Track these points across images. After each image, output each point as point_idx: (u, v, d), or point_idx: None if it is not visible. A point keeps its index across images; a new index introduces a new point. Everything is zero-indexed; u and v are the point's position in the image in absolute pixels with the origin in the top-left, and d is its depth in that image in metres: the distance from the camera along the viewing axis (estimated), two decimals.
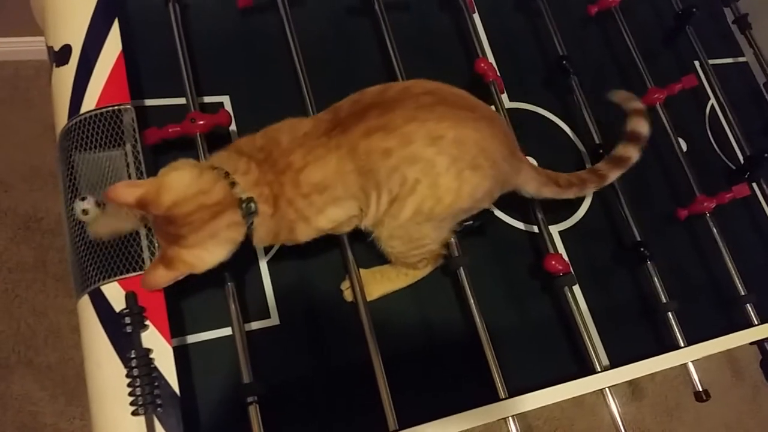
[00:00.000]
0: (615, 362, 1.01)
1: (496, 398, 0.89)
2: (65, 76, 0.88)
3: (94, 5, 0.90)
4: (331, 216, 0.85)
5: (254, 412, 0.79)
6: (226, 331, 0.88)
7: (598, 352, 0.99)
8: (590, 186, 1.03)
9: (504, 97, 1.18)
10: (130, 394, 0.74)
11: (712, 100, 1.34)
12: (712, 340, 1.03)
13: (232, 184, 0.78)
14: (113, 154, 0.89)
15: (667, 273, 1.09)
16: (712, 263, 1.16)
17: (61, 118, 0.88)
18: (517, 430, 0.89)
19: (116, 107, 0.86)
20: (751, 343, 1.09)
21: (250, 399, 0.80)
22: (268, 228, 0.82)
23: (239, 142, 0.85)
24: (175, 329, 0.86)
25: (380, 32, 1.10)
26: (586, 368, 0.98)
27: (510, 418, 0.89)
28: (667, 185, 1.22)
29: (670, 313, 1.03)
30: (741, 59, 1.44)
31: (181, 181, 0.76)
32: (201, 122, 0.91)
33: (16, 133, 1.63)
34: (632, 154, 1.04)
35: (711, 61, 1.33)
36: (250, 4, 1.06)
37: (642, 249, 1.06)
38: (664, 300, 1.04)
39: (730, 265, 1.11)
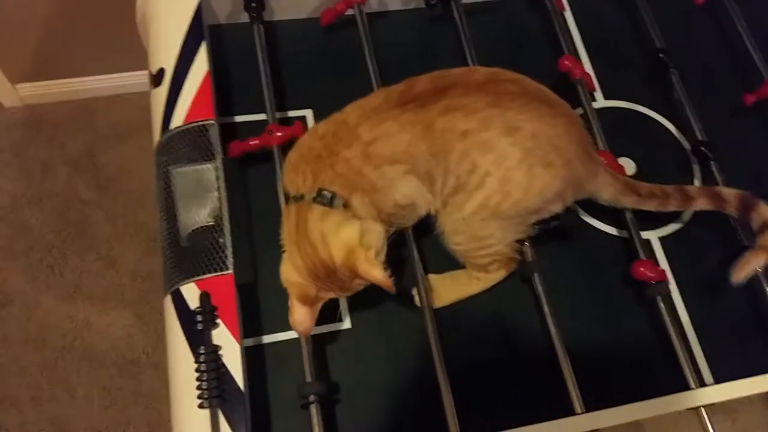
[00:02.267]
0: (720, 381, 0.91)
1: (572, 413, 0.84)
2: (160, 96, 0.97)
3: (185, 31, 0.98)
4: (404, 191, 0.85)
5: (314, 411, 0.81)
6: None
7: (699, 368, 0.91)
8: (672, 203, 0.94)
9: (599, 95, 1.13)
10: (197, 388, 0.79)
11: None
12: None
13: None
14: (204, 168, 0.97)
15: None
16: None
17: (156, 135, 0.97)
18: None
19: (202, 122, 0.94)
20: None
21: (311, 398, 0.82)
22: (367, 209, 0.84)
23: (301, 144, 0.88)
24: (251, 329, 0.91)
25: (460, 41, 1.09)
26: (681, 384, 0.89)
27: None
28: None
29: None
30: None
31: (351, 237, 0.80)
32: (279, 134, 0.96)
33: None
34: (731, 202, 0.95)
35: None
36: (332, 21, 1.10)
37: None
38: None
39: None
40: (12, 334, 1.63)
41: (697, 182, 1.07)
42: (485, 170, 0.81)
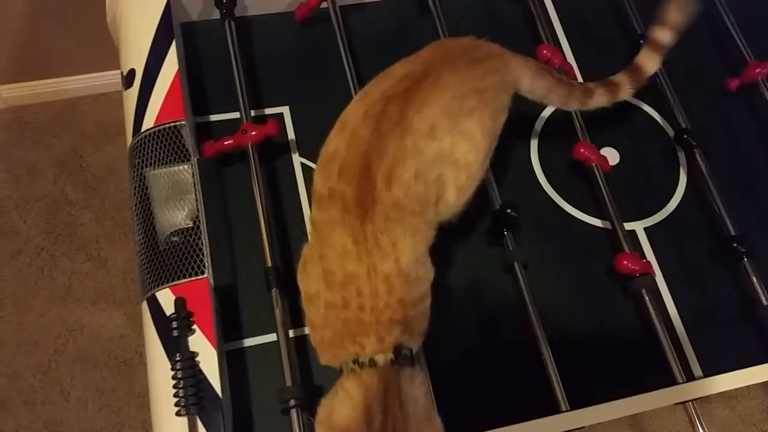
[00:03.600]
0: (709, 373, 0.90)
1: (556, 410, 0.83)
2: (131, 97, 0.96)
3: (154, 31, 0.96)
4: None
5: (294, 415, 0.80)
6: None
7: (688, 361, 0.90)
8: (576, 94, 0.94)
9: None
10: (175, 395, 0.78)
11: None
12: None
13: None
14: (178, 170, 0.95)
15: None
16: None
17: (129, 138, 0.95)
18: None
19: (173, 123, 0.92)
20: None
21: (291, 402, 0.81)
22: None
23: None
24: (233, 333, 0.90)
25: (437, 31, 1.07)
26: (668, 379, 0.88)
27: None
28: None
29: None
30: None
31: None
32: (253, 133, 0.94)
33: None
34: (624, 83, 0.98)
35: None
36: (307, 15, 1.08)
37: (735, 244, 0.93)
38: (765, 302, 0.91)
39: None
40: (4, 338, 1.62)
41: (683, 170, 1.05)
42: (438, 174, 0.81)
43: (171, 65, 0.95)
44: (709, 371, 0.90)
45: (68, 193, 1.77)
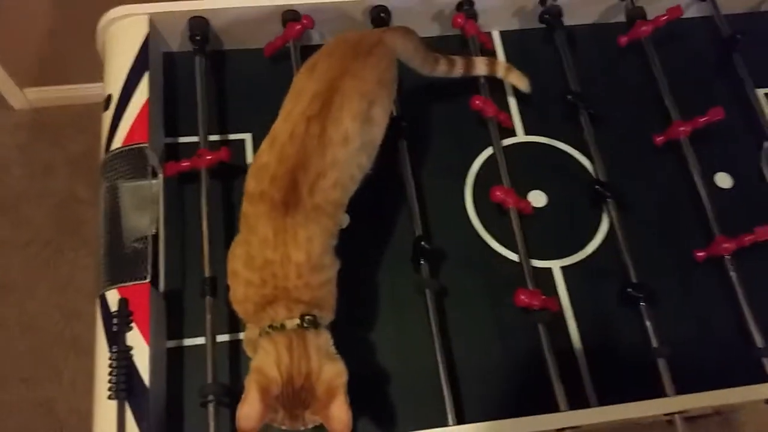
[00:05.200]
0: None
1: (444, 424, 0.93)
2: (106, 119, 1.09)
3: (131, 62, 1.10)
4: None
5: (210, 410, 0.92)
6: (221, 337, 1.01)
7: (587, 395, 0.99)
8: (442, 63, 1.12)
9: (519, 130, 1.20)
10: (108, 381, 0.90)
11: None
12: (708, 392, 0.96)
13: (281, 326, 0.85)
14: (138, 185, 1.08)
15: (685, 319, 1.06)
16: (731, 310, 1.07)
17: (102, 154, 1.09)
18: None
19: (137, 145, 1.05)
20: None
21: (209, 398, 0.92)
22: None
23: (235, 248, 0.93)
24: (175, 332, 1.02)
25: None
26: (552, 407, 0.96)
27: None
28: (696, 224, 1.14)
29: (661, 359, 0.98)
30: None
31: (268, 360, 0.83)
32: (207, 157, 1.07)
33: None
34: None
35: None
36: (274, 53, 1.20)
37: (631, 290, 1.02)
38: (654, 345, 0.99)
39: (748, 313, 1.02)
40: (8, 320, 1.78)
41: (605, 216, 1.13)
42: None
43: (142, 94, 1.08)
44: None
45: (78, 192, 1.93)
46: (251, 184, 0.91)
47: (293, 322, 0.85)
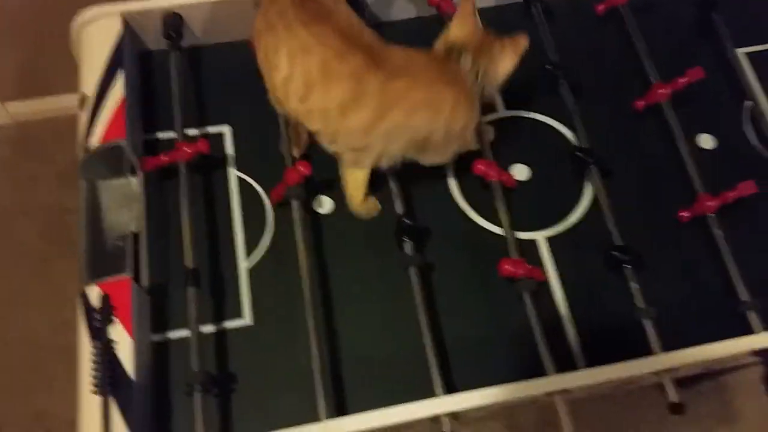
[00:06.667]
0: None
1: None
2: (83, 119, 1.09)
3: (106, 61, 1.10)
4: None
5: (196, 398, 0.91)
6: (206, 328, 1.01)
7: (575, 360, 0.98)
8: None
9: (500, 105, 1.20)
10: (92, 377, 0.90)
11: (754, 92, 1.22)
12: (694, 348, 0.95)
13: None
14: (126, 181, 1.08)
15: (671, 280, 1.06)
16: (717, 268, 1.06)
17: (80, 154, 1.08)
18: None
19: (115, 143, 1.05)
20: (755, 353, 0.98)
21: (196, 387, 0.92)
22: None
23: None
24: (160, 326, 1.02)
25: None
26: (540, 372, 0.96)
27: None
28: (680, 186, 1.13)
29: (647, 320, 0.98)
30: None
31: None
32: (187, 150, 1.06)
33: None
34: None
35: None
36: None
37: (615, 252, 1.01)
38: (640, 305, 0.99)
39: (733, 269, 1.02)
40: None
41: (589, 184, 1.13)
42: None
43: (117, 92, 1.08)
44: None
45: (67, 203, 1.93)
46: None
47: None
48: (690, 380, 1.32)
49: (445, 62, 0.97)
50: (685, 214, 1.08)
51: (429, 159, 1.04)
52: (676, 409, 0.92)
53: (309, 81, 0.94)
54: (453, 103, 0.95)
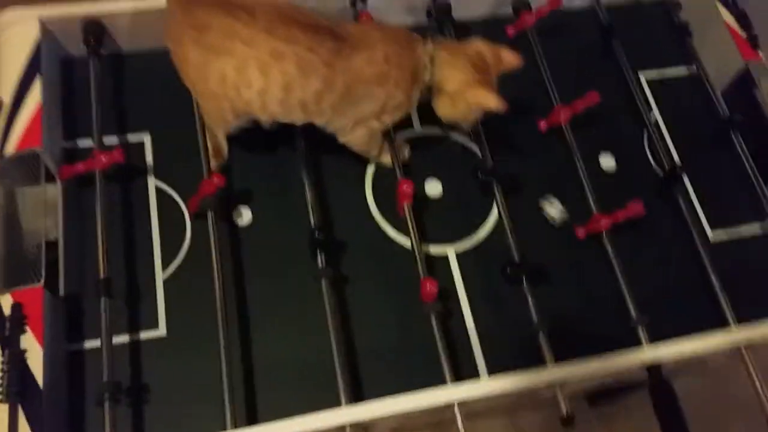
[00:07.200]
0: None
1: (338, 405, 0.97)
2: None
3: (23, 67, 1.10)
4: None
5: (106, 408, 0.93)
6: (120, 339, 1.03)
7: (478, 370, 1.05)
8: None
9: (416, 122, 1.25)
10: (0, 385, 0.91)
11: (652, 115, 1.31)
12: (585, 361, 1.02)
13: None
14: (35, 190, 1.08)
15: (569, 294, 1.14)
16: (611, 284, 1.14)
17: None
18: None
19: (31, 150, 1.06)
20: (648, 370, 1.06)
21: (105, 396, 0.94)
22: None
23: None
24: (76, 336, 1.03)
25: None
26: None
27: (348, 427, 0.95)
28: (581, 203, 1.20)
29: (541, 333, 1.05)
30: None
31: None
32: (102, 159, 1.08)
33: None
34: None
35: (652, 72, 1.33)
36: None
37: (508, 268, 1.10)
38: (535, 321, 1.06)
39: (624, 286, 1.10)
40: None
41: (496, 202, 1.19)
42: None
43: (34, 98, 1.08)
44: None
45: None
46: None
47: None
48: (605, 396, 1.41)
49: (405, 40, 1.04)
50: (581, 231, 1.16)
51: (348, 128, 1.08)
52: (566, 422, 0.99)
53: (288, 83, 0.97)
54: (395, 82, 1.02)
